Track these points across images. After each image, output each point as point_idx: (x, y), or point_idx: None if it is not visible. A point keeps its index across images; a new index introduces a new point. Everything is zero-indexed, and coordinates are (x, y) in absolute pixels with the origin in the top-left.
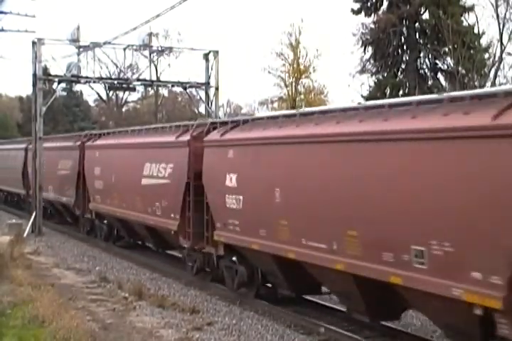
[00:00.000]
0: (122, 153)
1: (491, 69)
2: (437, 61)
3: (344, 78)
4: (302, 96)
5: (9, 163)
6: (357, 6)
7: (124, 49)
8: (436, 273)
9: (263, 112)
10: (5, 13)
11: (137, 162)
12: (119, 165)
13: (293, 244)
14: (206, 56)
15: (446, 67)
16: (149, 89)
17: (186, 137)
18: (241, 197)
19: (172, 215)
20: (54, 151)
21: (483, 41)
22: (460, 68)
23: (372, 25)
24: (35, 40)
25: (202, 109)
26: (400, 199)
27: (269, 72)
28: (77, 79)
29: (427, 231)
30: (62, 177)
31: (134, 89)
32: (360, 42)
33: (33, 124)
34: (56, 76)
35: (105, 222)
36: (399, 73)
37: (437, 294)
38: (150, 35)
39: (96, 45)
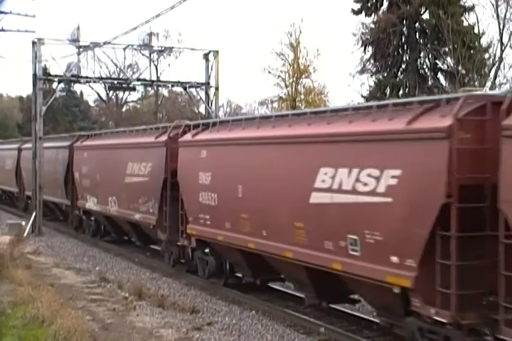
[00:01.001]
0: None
1: (491, 69)
2: (437, 61)
3: (344, 78)
4: (302, 96)
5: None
6: (357, 6)
7: (124, 49)
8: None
9: (263, 112)
10: (5, 13)
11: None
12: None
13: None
14: (206, 56)
15: (446, 67)
16: (149, 89)
17: (164, 138)
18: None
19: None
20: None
21: (483, 41)
22: (460, 68)
23: (373, 25)
24: (35, 40)
25: (202, 109)
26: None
27: (269, 72)
28: (77, 79)
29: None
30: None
31: (134, 89)
32: (360, 42)
33: (33, 124)
34: (56, 76)
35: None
36: (399, 73)
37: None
38: (150, 35)
39: (96, 45)
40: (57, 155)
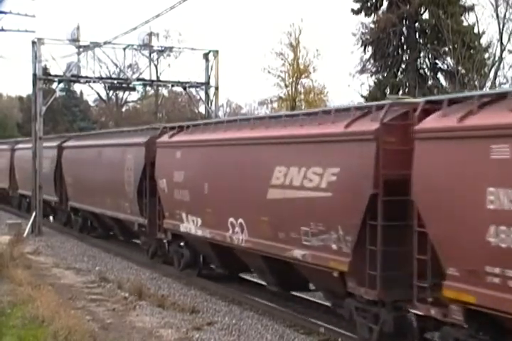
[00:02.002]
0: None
1: (491, 69)
2: (437, 61)
3: (344, 78)
4: (302, 96)
5: None
6: (357, 5)
7: (124, 49)
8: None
9: (262, 112)
10: (5, 13)
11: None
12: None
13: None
14: (206, 56)
15: (446, 67)
16: (149, 89)
17: (145, 139)
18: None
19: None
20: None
21: (483, 41)
22: (460, 68)
23: (372, 25)
24: (35, 40)
25: (202, 108)
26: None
27: (269, 72)
28: (77, 79)
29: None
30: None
31: (133, 89)
32: (360, 42)
33: (32, 124)
34: (56, 76)
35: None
36: (399, 73)
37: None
38: (150, 35)
39: (96, 44)
40: (123, 155)
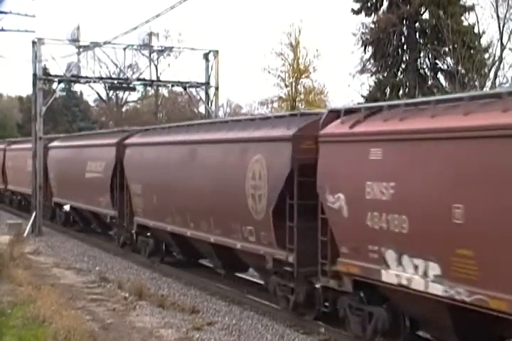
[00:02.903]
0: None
1: (491, 69)
2: (437, 61)
3: (344, 78)
4: (302, 96)
5: None
6: (357, 5)
7: (124, 49)
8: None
9: (263, 112)
10: (5, 13)
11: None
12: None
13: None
14: (206, 56)
15: (446, 67)
16: (149, 89)
17: (114, 140)
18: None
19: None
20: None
21: (483, 41)
22: (460, 68)
23: (373, 25)
24: (35, 40)
25: (202, 109)
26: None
27: (269, 72)
28: (77, 79)
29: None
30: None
31: (134, 89)
32: (360, 42)
33: (32, 124)
34: (56, 76)
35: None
36: (399, 73)
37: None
38: (150, 35)
39: (96, 44)
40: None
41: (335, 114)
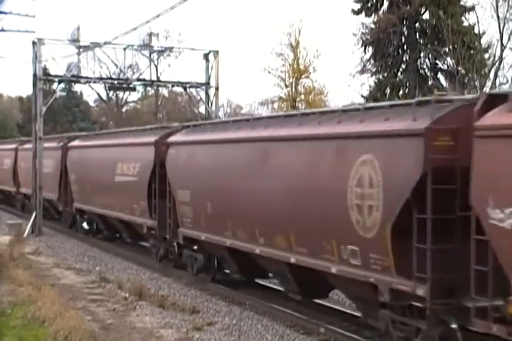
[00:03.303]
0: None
1: (490, 69)
2: (437, 61)
3: (344, 78)
4: (302, 97)
5: None
6: (357, 6)
7: (124, 49)
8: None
9: (263, 112)
10: (5, 13)
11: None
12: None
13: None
14: (206, 56)
15: (446, 67)
16: (149, 89)
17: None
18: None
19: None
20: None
21: (483, 41)
22: (460, 68)
23: (373, 25)
24: (35, 40)
25: (202, 109)
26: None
27: (269, 72)
28: (77, 79)
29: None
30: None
31: (134, 89)
32: (361, 42)
33: (33, 124)
34: (56, 76)
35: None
36: (399, 73)
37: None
38: (150, 35)
39: (96, 45)
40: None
41: (491, 100)
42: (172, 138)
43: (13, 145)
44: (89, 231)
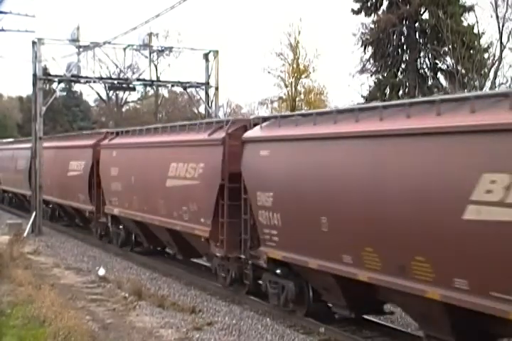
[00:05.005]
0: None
1: (490, 69)
2: (437, 61)
3: (344, 78)
4: (302, 96)
5: None
6: (357, 5)
7: (124, 49)
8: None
9: (262, 112)
10: (5, 13)
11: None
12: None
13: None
14: (206, 56)
15: (446, 67)
16: (149, 89)
17: (91, 142)
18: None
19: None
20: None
21: (483, 41)
22: (460, 68)
23: (372, 25)
24: (35, 40)
25: (202, 109)
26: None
27: (268, 72)
28: (77, 79)
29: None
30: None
31: (134, 89)
32: (360, 42)
33: (32, 124)
34: (56, 76)
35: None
36: (399, 73)
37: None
38: (150, 35)
39: (96, 45)
40: None
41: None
42: (249, 134)
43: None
44: (127, 242)
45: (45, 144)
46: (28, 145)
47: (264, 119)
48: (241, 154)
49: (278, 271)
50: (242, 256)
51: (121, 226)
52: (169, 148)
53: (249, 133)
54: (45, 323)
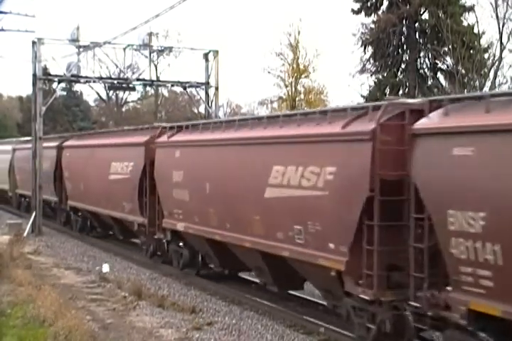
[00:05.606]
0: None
1: (490, 69)
2: (437, 61)
3: (344, 78)
4: (302, 96)
5: None
6: (357, 5)
7: (124, 49)
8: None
9: (262, 112)
10: (5, 13)
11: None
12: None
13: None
14: (206, 56)
15: (446, 67)
16: (149, 89)
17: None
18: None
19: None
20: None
21: (483, 41)
22: (460, 68)
23: (372, 25)
24: (35, 40)
25: (202, 108)
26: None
27: (268, 72)
28: (77, 79)
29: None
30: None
31: (133, 89)
32: (360, 42)
33: (32, 124)
34: (56, 76)
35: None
36: (399, 73)
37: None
38: (150, 35)
39: (96, 44)
40: None
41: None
42: (427, 123)
43: (55, 143)
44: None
45: (74, 143)
46: (52, 143)
47: (440, 103)
48: (408, 153)
49: None
50: (413, 303)
51: (181, 244)
52: (272, 145)
53: (427, 123)
54: (45, 323)
